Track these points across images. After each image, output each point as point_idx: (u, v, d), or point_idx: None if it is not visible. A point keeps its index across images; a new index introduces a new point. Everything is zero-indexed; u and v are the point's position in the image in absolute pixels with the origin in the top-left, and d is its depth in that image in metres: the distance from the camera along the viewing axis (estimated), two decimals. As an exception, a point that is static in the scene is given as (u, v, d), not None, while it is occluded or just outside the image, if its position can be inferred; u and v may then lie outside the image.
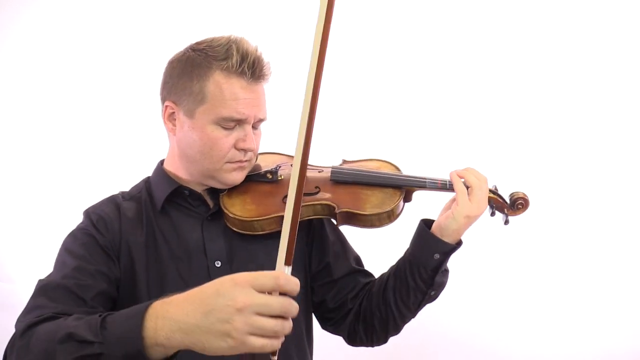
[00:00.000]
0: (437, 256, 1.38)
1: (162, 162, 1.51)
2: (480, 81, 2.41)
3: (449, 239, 1.38)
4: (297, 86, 2.35)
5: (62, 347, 1.06)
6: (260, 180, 1.47)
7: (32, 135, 2.61)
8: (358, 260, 1.60)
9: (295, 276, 1.42)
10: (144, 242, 1.38)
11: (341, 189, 1.45)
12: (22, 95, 2.62)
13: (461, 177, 1.40)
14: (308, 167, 1.48)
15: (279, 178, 1.47)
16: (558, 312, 2.33)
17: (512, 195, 1.46)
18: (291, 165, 1.51)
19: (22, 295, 2.32)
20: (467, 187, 1.38)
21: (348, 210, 1.40)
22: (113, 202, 1.44)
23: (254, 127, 1.40)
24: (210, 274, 1.37)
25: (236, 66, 1.33)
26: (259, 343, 0.97)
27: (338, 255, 1.55)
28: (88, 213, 1.41)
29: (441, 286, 1.45)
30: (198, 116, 1.36)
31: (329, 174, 1.47)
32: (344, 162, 1.57)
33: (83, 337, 1.05)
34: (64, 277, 1.28)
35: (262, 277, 0.99)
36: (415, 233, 1.43)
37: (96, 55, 2.59)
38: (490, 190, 1.45)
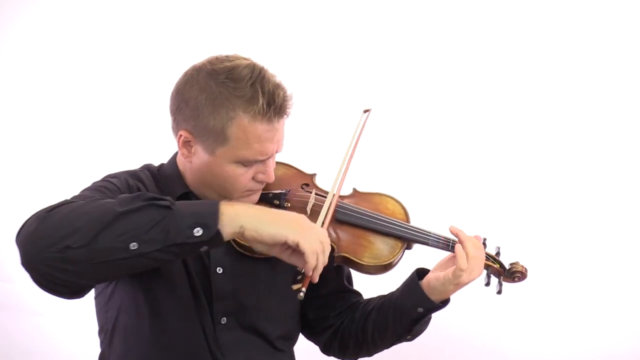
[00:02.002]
0: (420, 310, 1.39)
1: (176, 154, 1.46)
2: (493, 126, 2.39)
3: (434, 297, 1.38)
4: (302, 88, 2.37)
5: (123, 198, 1.12)
6: (266, 201, 1.43)
7: (32, 135, 2.60)
8: (349, 279, 1.61)
9: (288, 289, 1.39)
10: None
11: (344, 228, 1.42)
12: (22, 95, 2.62)
13: (463, 242, 1.38)
14: (316, 194, 1.46)
15: (286, 205, 1.43)
16: (558, 311, 2.33)
17: (512, 265, 1.45)
18: (301, 186, 1.48)
19: (22, 295, 2.33)
20: (466, 255, 1.36)
21: (345, 255, 1.39)
22: (146, 176, 1.43)
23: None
24: (210, 279, 1.38)
25: (263, 111, 1.28)
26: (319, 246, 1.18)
27: (329, 270, 1.52)
28: (125, 173, 1.41)
29: (419, 333, 1.47)
30: (219, 155, 1.32)
31: (334, 212, 1.42)
32: (355, 191, 1.53)
33: (151, 195, 1.13)
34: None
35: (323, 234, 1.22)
36: (406, 280, 1.44)
37: (96, 55, 2.58)
38: (491, 256, 1.44)
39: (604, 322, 2.30)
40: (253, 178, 1.36)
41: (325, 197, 1.44)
